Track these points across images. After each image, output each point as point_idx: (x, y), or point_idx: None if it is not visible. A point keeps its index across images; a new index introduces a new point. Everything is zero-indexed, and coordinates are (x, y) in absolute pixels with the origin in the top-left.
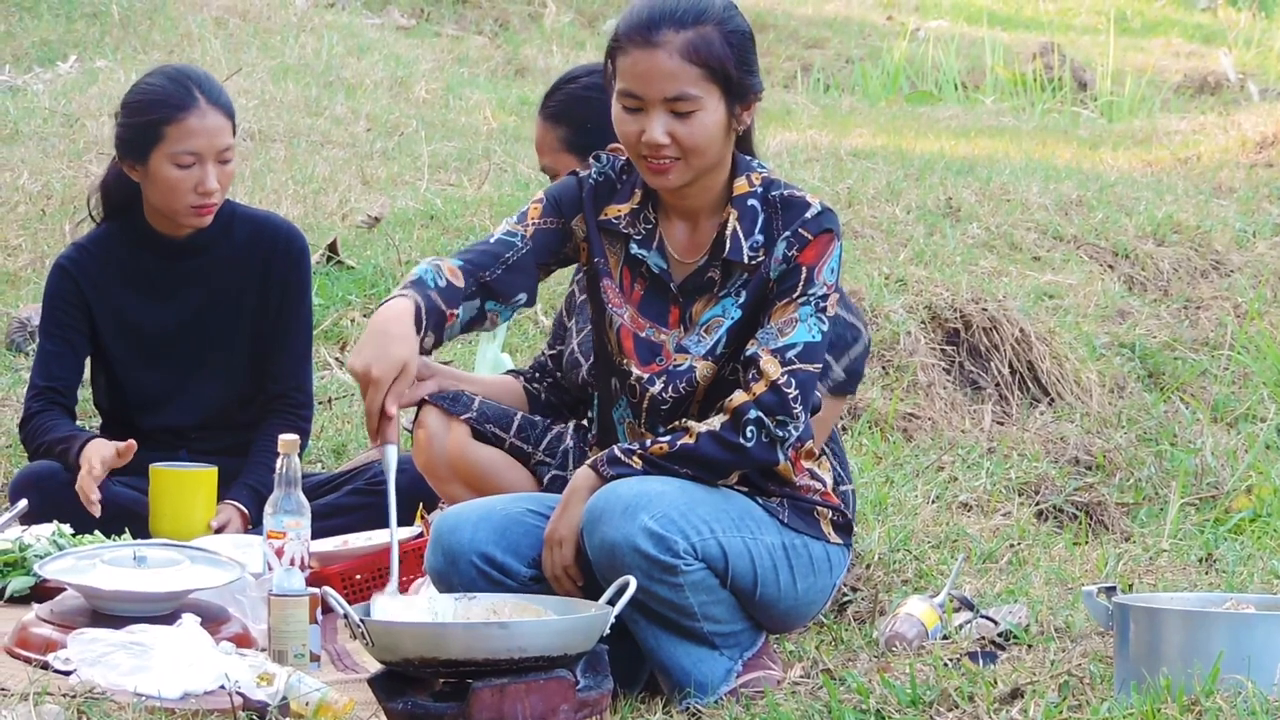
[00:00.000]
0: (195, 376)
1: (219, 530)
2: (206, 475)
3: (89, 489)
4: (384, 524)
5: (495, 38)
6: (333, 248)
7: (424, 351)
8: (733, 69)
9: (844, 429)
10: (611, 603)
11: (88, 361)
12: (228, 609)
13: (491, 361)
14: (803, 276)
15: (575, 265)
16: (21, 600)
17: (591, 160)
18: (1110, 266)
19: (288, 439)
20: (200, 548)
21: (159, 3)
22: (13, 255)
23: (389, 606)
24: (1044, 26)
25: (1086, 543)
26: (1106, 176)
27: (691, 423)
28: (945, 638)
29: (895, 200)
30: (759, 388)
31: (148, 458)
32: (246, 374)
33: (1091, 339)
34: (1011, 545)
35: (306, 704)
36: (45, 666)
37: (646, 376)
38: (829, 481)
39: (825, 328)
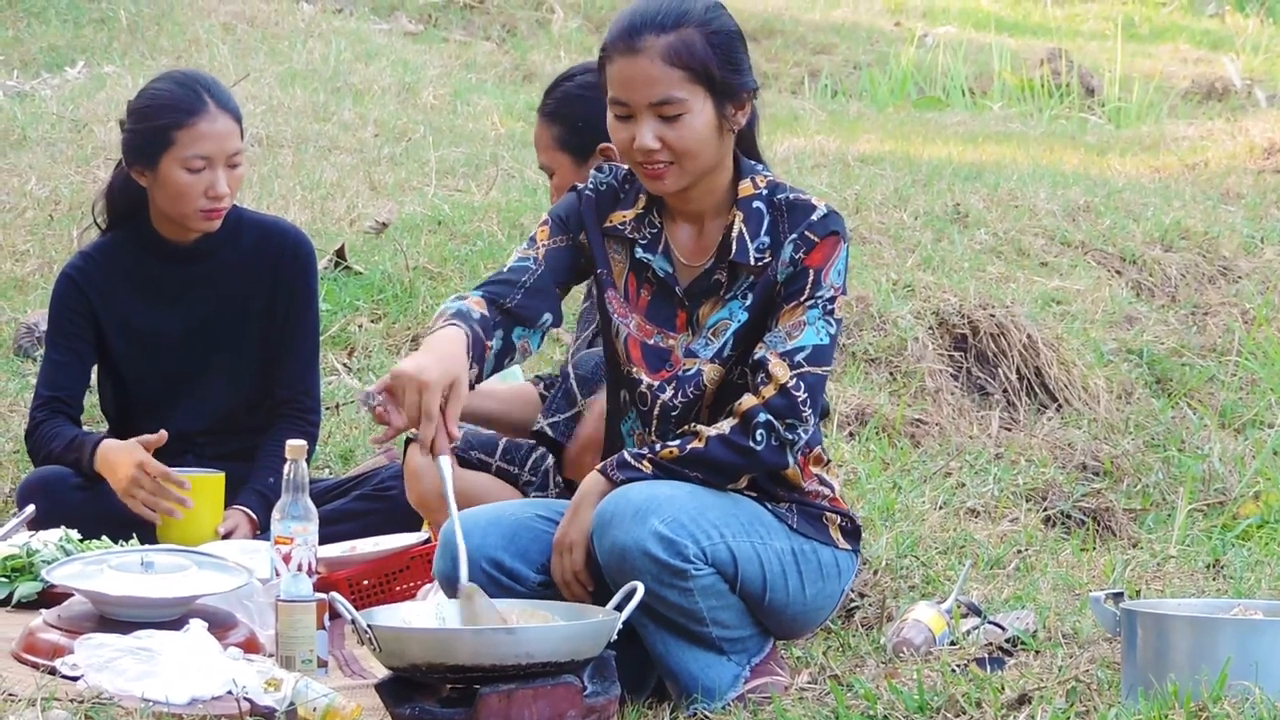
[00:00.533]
0: (203, 382)
1: (227, 536)
2: (214, 481)
3: (154, 492)
4: (390, 530)
5: (503, 43)
6: (340, 253)
7: (470, 386)
8: (716, 69)
9: (852, 434)
10: (619, 608)
11: (94, 369)
12: (235, 614)
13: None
14: (810, 279)
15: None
16: (29, 605)
17: (593, 172)
18: (1118, 272)
19: (295, 444)
20: (208, 553)
21: (167, 8)
22: (20, 261)
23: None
24: (1051, 32)
25: (1094, 549)
26: (1114, 182)
27: (701, 427)
28: (953, 644)
29: (903, 206)
30: (768, 391)
31: None
32: (254, 379)
33: (1099, 345)
34: (1019, 551)
35: (314, 709)
36: (53, 672)
37: (656, 384)
38: (837, 487)
39: (833, 330)
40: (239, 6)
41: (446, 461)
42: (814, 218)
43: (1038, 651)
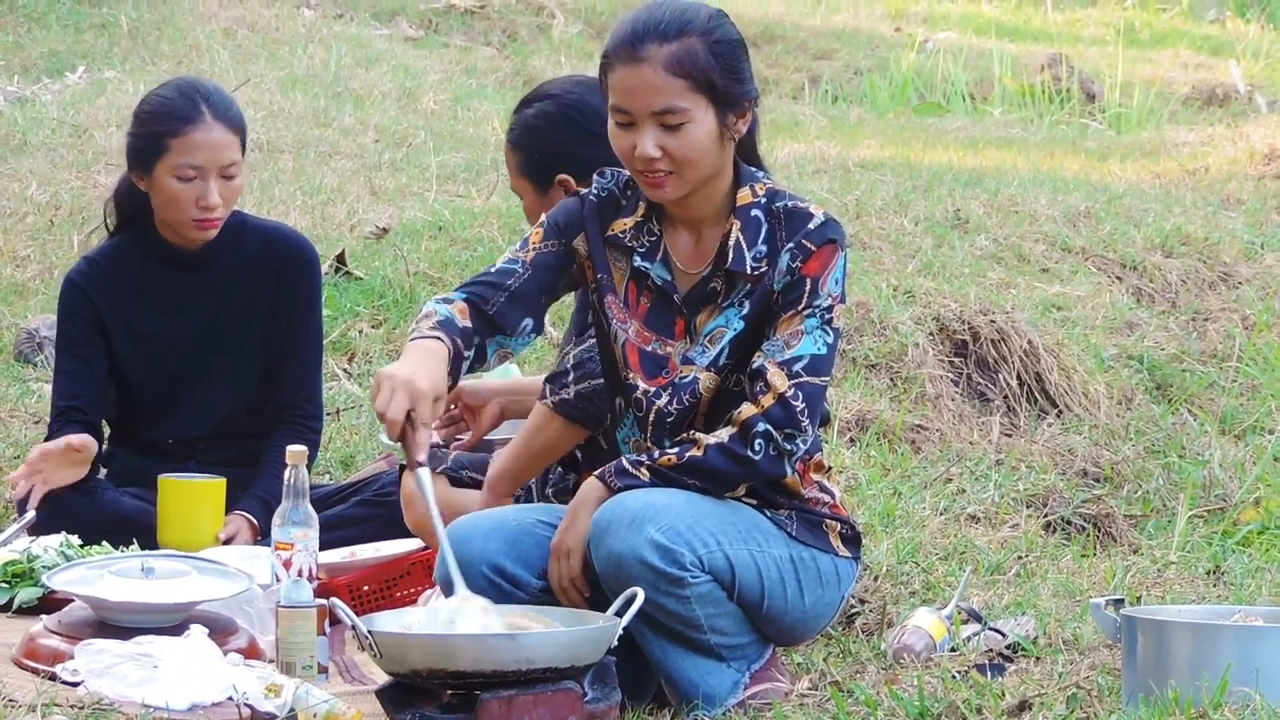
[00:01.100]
0: (205, 387)
1: (227, 541)
2: (215, 486)
3: (19, 479)
4: (391, 536)
5: (503, 49)
6: (341, 259)
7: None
8: (718, 78)
9: (852, 440)
10: (620, 614)
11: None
12: (236, 620)
13: (499, 374)
14: (807, 288)
15: (582, 288)
16: (29, 611)
17: (595, 177)
18: (1118, 278)
19: (296, 450)
20: (208, 559)
21: (167, 13)
22: (21, 266)
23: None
24: (1052, 38)
25: (1094, 555)
26: (1114, 188)
27: (700, 435)
28: (953, 650)
29: (903, 212)
30: (767, 401)
31: (156, 468)
32: (256, 384)
33: (1099, 351)
34: (1019, 557)
35: (314, 715)
36: (53, 677)
37: (652, 390)
38: (837, 494)
39: (831, 340)
40: (240, 12)
41: (426, 473)
42: (811, 226)
43: (1038, 658)
